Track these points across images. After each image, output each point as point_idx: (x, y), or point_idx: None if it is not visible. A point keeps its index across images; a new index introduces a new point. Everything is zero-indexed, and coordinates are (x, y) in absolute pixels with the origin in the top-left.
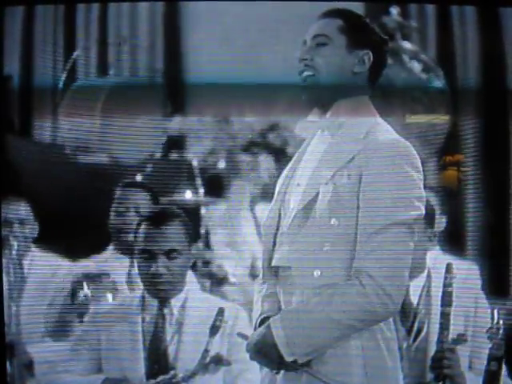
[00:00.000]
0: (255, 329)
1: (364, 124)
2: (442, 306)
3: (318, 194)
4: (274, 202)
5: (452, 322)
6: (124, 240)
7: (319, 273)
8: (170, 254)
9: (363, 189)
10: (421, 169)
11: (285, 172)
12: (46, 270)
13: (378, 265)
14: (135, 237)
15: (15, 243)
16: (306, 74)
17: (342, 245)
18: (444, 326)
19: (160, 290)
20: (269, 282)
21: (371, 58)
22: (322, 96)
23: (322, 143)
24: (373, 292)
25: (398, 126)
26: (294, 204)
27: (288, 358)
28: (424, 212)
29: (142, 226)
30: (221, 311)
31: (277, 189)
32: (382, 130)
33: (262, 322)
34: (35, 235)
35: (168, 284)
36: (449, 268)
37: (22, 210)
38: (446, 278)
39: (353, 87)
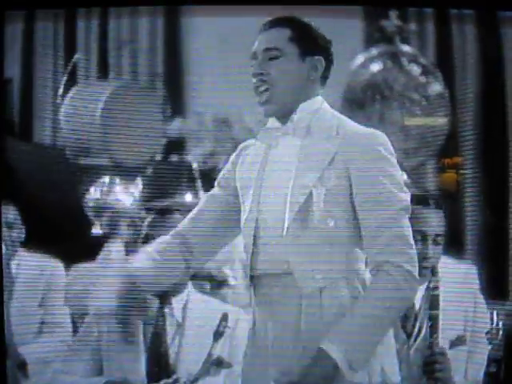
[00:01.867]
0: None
1: (330, 122)
2: (429, 309)
3: (309, 198)
4: (248, 210)
5: (450, 324)
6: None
7: (321, 275)
8: None
9: (356, 185)
10: (394, 153)
11: (249, 180)
12: (34, 271)
13: (397, 253)
14: (140, 229)
15: (3, 246)
16: (261, 88)
17: (341, 244)
18: (433, 330)
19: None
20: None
21: (323, 64)
22: (282, 107)
23: (291, 148)
24: (401, 278)
25: (398, 131)
26: (278, 211)
27: (350, 376)
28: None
29: (147, 220)
30: (225, 316)
31: (248, 197)
32: (348, 124)
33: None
34: (23, 238)
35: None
36: (434, 271)
37: (10, 213)
38: (430, 281)
39: (307, 90)
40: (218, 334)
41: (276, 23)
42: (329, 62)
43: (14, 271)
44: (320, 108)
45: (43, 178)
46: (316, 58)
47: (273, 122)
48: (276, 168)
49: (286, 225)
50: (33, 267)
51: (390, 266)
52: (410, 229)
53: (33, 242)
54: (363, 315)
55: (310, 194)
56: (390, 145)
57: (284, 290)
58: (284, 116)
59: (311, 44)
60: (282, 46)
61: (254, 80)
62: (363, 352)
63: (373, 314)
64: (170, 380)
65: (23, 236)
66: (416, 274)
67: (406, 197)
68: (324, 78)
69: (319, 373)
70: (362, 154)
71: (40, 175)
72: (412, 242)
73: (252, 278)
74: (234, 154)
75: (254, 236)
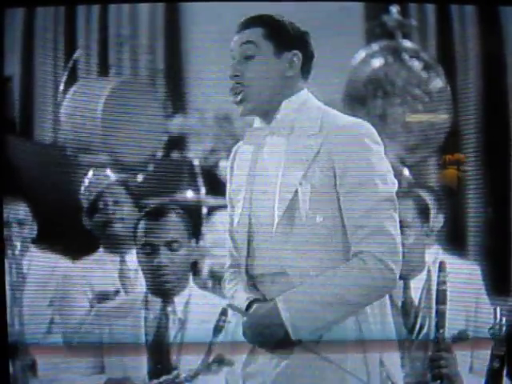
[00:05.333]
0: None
1: (315, 117)
2: (436, 304)
3: (295, 196)
4: (240, 211)
5: (451, 320)
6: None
7: (316, 271)
8: (171, 244)
9: (339, 176)
10: (381, 142)
11: (239, 181)
12: (45, 269)
13: (375, 244)
14: (134, 234)
15: (18, 243)
16: (237, 90)
17: (333, 238)
18: (440, 325)
19: (164, 284)
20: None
21: (300, 57)
22: (257, 106)
23: (277, 146)
24: (375, 267)
25: (399, 127)
26: (268, 211)
27: (294, 336)
28: (397, 184)
29: (141, 223)
30: (224, 311)
31: (239, 198)
32: (333, 116)
33: (250, 305)
34: (34, 235)
35: (172, 275)
36: (442, 266)
37: (20, 210)
38: (439, 276)
39: (289, 87)
40: (217, 329)
41: (248, 23)
42: (308, 54)
43: (25, 270)
44: (304, 103)
45: (47, 175)
46: (292, 52)
47: (258, 123)
48: (265, 168)
49: (275, 224)
50: (44, 266)
51: (365, 255)
52: (395, 220)
53: (44, 239)
54: (323, 288)
55: (296, 191)
56: (375, 135)
57: (281, 289)
58: (267, 115)
59: (285, 39)
60: (257, 41)
61: (232, 81)
62: (310, 321)
63: (333, 291)
64: (171, 376)
65: (34, 233)
66: (393, 265)
67: (390, 188)
68: (306, 71)
69: (267, 325)
70: (345, 145)
71: (44, 173)
72: (394, 233)
73: (250, 278)
74: (229, 162)
75: (248, 238)
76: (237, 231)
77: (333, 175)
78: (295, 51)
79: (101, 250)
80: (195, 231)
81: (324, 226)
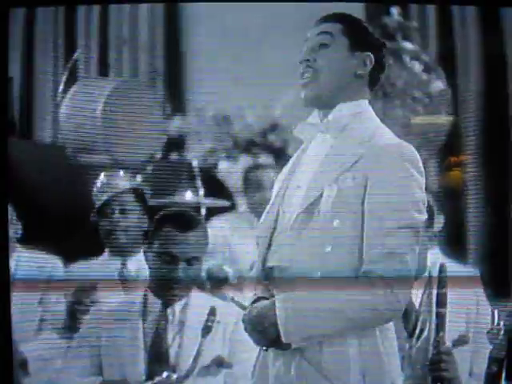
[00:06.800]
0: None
1: (368, 128)
2: (436, 307)
3: (321, 195)
4: (272, 203)
5: (450, 323)
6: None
7: (320, 274)
8: (190, 260)
9: (370, 192)
10: (423, 172)
11: (283, 174)
12: (33, 268)
13: (388, 268)
14: (154, 236)
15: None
16: (306, 74)
17: (344, 246)
18: (440, 327)
19: (173, 294)
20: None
21: (372, 61)
22: (322, 98)
23: (323, 145)
24: (381, 292)
25: (399, 129)
26: (295, 205)
27: (284, 340)
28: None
29: (166, 228)
30: (212, 311)
31: (275, 191)
32: (385, 134)
33: (255, 301)
34: (19, 235)
35: (184, 289)
36: (442, 269)
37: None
38: (439, 278)
39: (354, 90)
40: (205, 329)
41: (328, 18)
42: (380, 63)
43: (12, 269)
44: (361, 112)
45: (43, 175)
46: (365, 53)
47: (313, 118)
48: (305, 164)
49: (292, 219)
50: (31, 264)
51: (375, 277)
52: (415, 251)
53: (30, 238)
54: (324, 298)
55: (322, 192)
56: (419, 162)
57: (286, 287)
58: (324, 109)
59: (361, 40)
60: (335, 33)
61: (301, 66)
62: (303, 327)
63: (331, 306)
64: (163, 376)
65: (19, 233)
66: (401, 296)
67: (419, 218)
68: (373, 81)
69: (262, 322)
70: (383, 164)
71: (40, 173)
72: (410, 263)
73: (263, 273)
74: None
75: (273, 228)
76: (263, 222)
77: (363, 190)
78: (368, 53)
79: (105, 252)
80: None
81: (340, 232)
